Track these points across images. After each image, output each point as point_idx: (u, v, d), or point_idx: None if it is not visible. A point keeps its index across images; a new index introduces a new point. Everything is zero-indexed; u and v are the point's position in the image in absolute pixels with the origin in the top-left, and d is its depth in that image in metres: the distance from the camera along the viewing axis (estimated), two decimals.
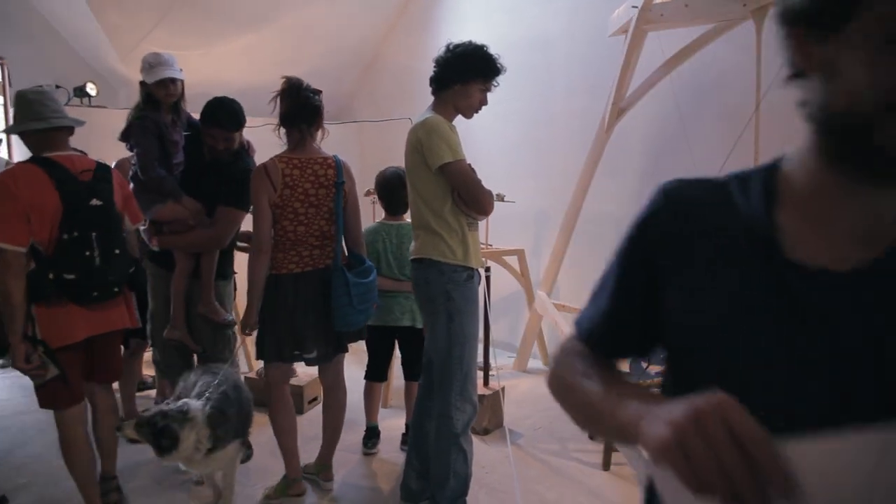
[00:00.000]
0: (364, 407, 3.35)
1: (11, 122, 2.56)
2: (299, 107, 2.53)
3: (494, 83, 2.41)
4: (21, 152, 2.49)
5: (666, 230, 0.77)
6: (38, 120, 2.26)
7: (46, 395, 2.33)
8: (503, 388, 3.62)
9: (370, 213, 4.77)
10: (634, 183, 4.23)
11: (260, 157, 2.83)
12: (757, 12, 2.85)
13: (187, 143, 2.91)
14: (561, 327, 3.63)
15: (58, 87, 5.36)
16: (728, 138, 3.55)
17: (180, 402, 2.28)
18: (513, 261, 4.53)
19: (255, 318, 2.58)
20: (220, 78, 5.42)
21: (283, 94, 2.54)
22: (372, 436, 3.32)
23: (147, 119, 2.77)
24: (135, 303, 2.63)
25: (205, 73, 5.25)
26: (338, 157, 2.65)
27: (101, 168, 2.45)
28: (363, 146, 6.16)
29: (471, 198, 2.30)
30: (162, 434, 2.17)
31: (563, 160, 4.67)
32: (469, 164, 2.33)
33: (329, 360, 2.74)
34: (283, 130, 2.59)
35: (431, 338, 2.44)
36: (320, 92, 2.61)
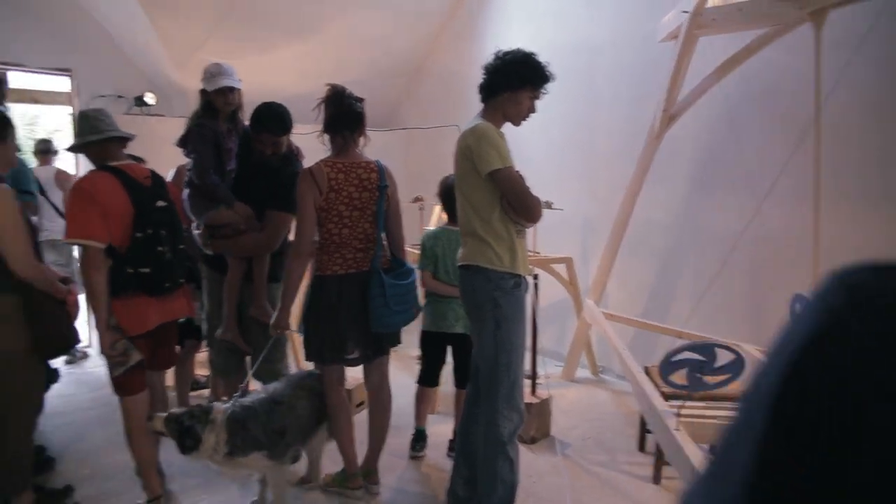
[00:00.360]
0: (414, 410, 3.38)
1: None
2: (342, 114, 2.59)
3: (543, 90, 2.41)
4: (86, 164, 2.71)
5: (856, 353, 0.42)
6: (96, 133, 2.50)
7: (124, 383, 2.51)
8: (551, 397, 3.60)
9: (417, 220, 4.81)
10: (684, 190, 4.16)
11: (309, 162, 2.90)
12: (815, 14, 2.77)
13: (238, 148, 2.99)
14: (611, 338, 3.58)
15: (119, 97, 5.60)
16: (782, 146, 3.47)
17: (207, 405, 2.40)
18: (560, 268, 4.50)
19: (286, 320, 2.63)
20: (269, 86, 5.54)
21: (326, 101, 2.60)
22: (420, 439, 3.34)
23: (205, 127, 2.89)
24: (192, 294, 2.88)
25: (254, 81, 5.35)
26: (380, 161, 2.70)
27: (155, 175, 2.71)
28: (409, 153, 6.23)
29: (520, 205, 2.30)
30: (187, 433, 2.27)
31: (610, 167, 4.62)
32: (518, 172, 2.33)
33: (369, 361, 2.79)
34: (326, 136, 2.65)
35: (478, 345, 2.44)
36: (363, 99, 2.66)
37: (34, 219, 3.89)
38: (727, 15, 3.19)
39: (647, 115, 3.99)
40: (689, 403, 2.37)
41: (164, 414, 2.35)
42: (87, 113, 2.58)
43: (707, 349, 2.21)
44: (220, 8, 4.86)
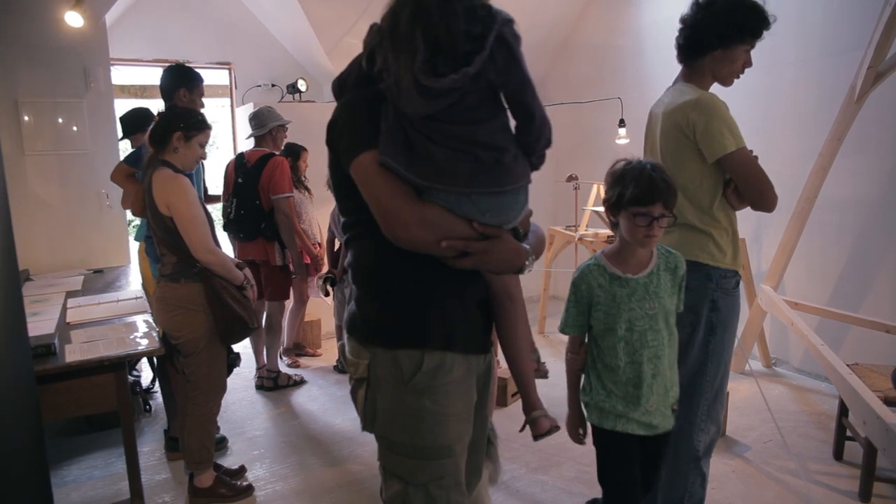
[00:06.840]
0: None
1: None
2: None
3: (759, 38, 1.98)
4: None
5: None
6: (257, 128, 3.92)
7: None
8: (728, 393, 3.25)
9: (572, 200, 4.57)
10: (889, 161, 3.59)
11: None
12: None
13: None
14: (801, 329, 3.16)
15: (273, 85, 5.82)
16: None
17: None
18: None
19: None
20: None
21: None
22: None
23: None
24: (275, 246, 3.84)
25: None
26: None
27: (261, 158, 3.76)
28: (557, 130, 5.88)
29: (753, 192, 1.91)
30: None
31: (793, 136, 4.10)
32: (751, 151, 1.95)
33: None
34: None
35: (680, 350, 2.15)
36: None
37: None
38: None
39: (844, 73, 3.46)
40: None
41: None
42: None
43: None
44: None
